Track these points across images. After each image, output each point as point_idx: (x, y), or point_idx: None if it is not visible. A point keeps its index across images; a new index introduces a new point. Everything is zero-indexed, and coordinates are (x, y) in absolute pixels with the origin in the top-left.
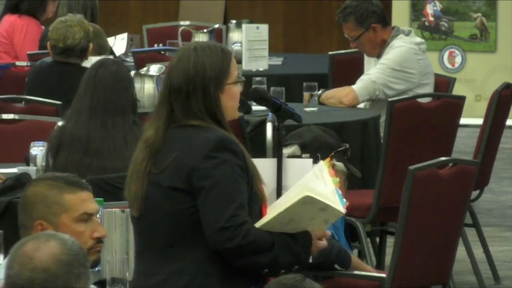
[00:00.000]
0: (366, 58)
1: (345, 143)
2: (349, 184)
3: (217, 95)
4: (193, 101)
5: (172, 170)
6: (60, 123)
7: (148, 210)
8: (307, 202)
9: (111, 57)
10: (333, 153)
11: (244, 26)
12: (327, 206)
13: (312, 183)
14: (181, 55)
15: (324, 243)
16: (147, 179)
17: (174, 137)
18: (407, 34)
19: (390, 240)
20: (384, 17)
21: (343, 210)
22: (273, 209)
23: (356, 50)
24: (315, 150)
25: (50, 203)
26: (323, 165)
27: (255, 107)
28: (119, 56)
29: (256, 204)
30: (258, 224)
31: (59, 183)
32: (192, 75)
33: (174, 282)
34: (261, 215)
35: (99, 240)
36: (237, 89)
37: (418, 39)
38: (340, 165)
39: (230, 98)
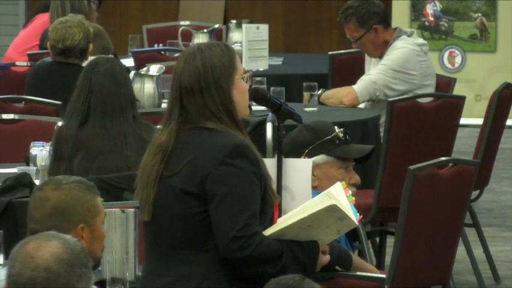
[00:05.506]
0: (367, 58)
1: (337, 131)
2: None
3: (230, 89)
4: (207, 98)
5: (186, 173)
6: (59, 124)
7: (159, 212)
8: (331, 210)
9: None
10: (307, 151)
11: (244, 26)
12: (344, 217)
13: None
14: (186, 56)
15: (327, 257)
16: (159, 183)
17: (188, 139)
18: (410, 35)
19: (390, 240)
20: (385, 18)
21: (356, 222)
22: (288, 217)
23: (356, 49)
24: (287, 155)
25: (90, 206)
26: (339, 185)
27: (255, 107)
28: None
29: (270, 206)
30: (272, 230)
31: (90, 186)
32: (202, 72)
33: (182, 286)
34: (273, 216)
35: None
36: (245, 84)
37: (421, 41)
38: (320, 158)
39: (240, 93)
